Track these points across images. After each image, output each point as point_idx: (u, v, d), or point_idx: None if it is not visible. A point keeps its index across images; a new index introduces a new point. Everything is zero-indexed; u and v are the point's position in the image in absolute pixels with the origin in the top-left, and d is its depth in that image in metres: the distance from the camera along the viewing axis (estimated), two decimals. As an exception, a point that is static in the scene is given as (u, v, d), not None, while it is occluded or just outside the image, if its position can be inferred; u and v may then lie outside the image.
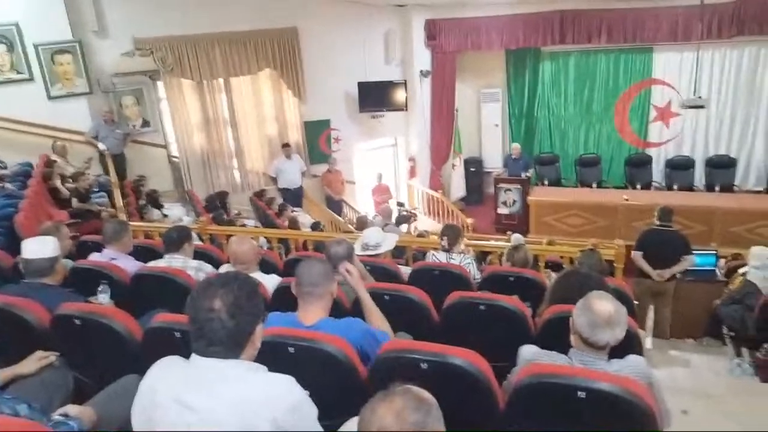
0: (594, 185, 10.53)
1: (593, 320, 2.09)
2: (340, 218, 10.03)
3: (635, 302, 4.07)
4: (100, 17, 8.17)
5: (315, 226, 8.54)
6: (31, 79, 7.80)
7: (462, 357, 2.01)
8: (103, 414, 2.06)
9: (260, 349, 2.12)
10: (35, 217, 5.06)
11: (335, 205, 10.50)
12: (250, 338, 1.57)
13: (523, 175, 10.31)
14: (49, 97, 7.95)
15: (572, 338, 2.21)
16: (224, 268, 3.55)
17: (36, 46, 7.71)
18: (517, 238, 6.62)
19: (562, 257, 5.21)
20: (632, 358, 2.24)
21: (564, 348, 2.25)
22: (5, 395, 1.99)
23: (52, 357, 2.38)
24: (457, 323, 2.89)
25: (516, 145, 10.92)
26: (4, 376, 2.25)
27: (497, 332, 2.78)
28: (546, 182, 10.83)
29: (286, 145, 9.92)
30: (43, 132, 7.80)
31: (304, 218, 9.06)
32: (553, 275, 4.63)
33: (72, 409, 2.01)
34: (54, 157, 7.59)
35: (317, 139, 10.59)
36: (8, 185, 6.37)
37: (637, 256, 5.64)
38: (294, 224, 8.00)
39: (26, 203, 5.23)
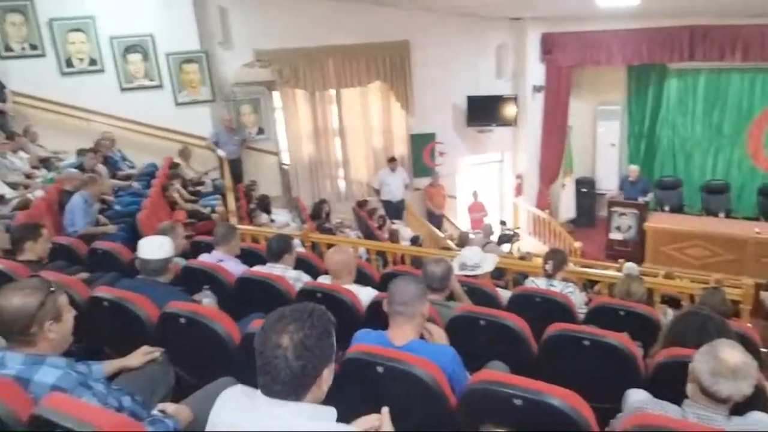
0: (721, 214, 9.64)
1: (717, 368, 1.88)
2: (439, 233, 9.94)
3: (762, 349, 3.64)
4: (226, 30, 8.74)
5: (414, 240, 8.53)
6: (160, 86, 8.49)
7: (561, 397, 1.86)
8: (197, 413, 2.11)
9: (348, 366, 2.11)
10: (155, 216, 5.45)
11: (436, 219, 10.42)
12: (316, 381, 1.47)
13: (640, 199, 9.67)
14: (176, 104, 8.61)
15: (689, 388, 2.00)
16: (322, 279, 3.59)
17: (167, 56, 8.38)
18: (630, 267, 6.19)
19: (681, 293, 4.79)
20: (756, 417, 2.01)
21: (677, 397, 2.05)
22: (113, 386, 2.10)
23: (156, 353, 2.45)
24: (557, 357, 2.71)
25: (634, 167, 10.27)
26: (112, 368, 2.35)
27: (602, 371, 2.58)
28: (666, 208, 10.08)
29: (392, 159, 10.01)
30: (168, 136, 8.45)
31: (404, 231, 9.07)
32: (670, 312, 4.27)
33: (170, 406, 2.06)
34: (177, 160, 8.18)
35: (422, 152, 10.59)
36: (135, 184, 6.94)
37: (766, 296, 5.09)
38: (394, 237, 8.03)
39: (148, 202, 5.66)
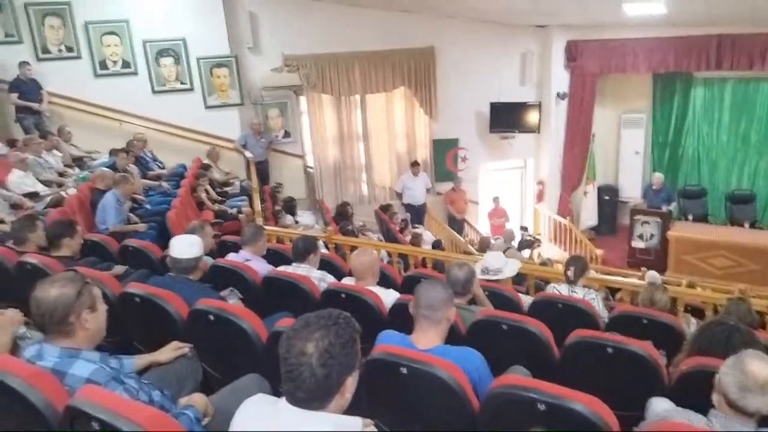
0: (746, 225, 9.47)
1: (744, 383, 1.86)
2: (460, 238, 9.95)
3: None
4: (256, 35, 8.88)
5: (436, 245, 8.54)
6: (191, 89, 8.66)
7: (584, 403, 1.86)
8: (224, 408, 2.15)
9: (371, 366, 2.13)
10: (184, 215, 5.57)
11: (457, 224, 10.43)
12: (339, 389, 1.46)
13: (664, 208, 9.57)
14: (206, 107, 8.76)
15: (715, 398, 1.98)
16: (346, 281, 3.64)
17: (198, 60, 8.54)
18: (652, 275, 6.14)
19: (704, 303, 4.73)
20: (786, 429, 1.97)
21: (701, 407, 2.04)
22: (143, 380, 2.15)
23: (185, 348, 2.50)
24: (579, 364, 2.71)
25: (658, 175, 10.17)
26: (142, 362, 2.40)
27: (624, 379, 2.58)
28: (690, 217, 9.92)
29: (415, 164, 10.06)
30: (198, 137, 8.60)
31: (426, 235, 9.09)
32: (693, 321, 4.23)
33: (184, 399, 2.09)
34: (207, 161, 8.32)
35: (444, 157, 10.62)
36: (164, 184, 7.08)
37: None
38: (416, 241, 8.06)
39: (178, 202, 5.77)
